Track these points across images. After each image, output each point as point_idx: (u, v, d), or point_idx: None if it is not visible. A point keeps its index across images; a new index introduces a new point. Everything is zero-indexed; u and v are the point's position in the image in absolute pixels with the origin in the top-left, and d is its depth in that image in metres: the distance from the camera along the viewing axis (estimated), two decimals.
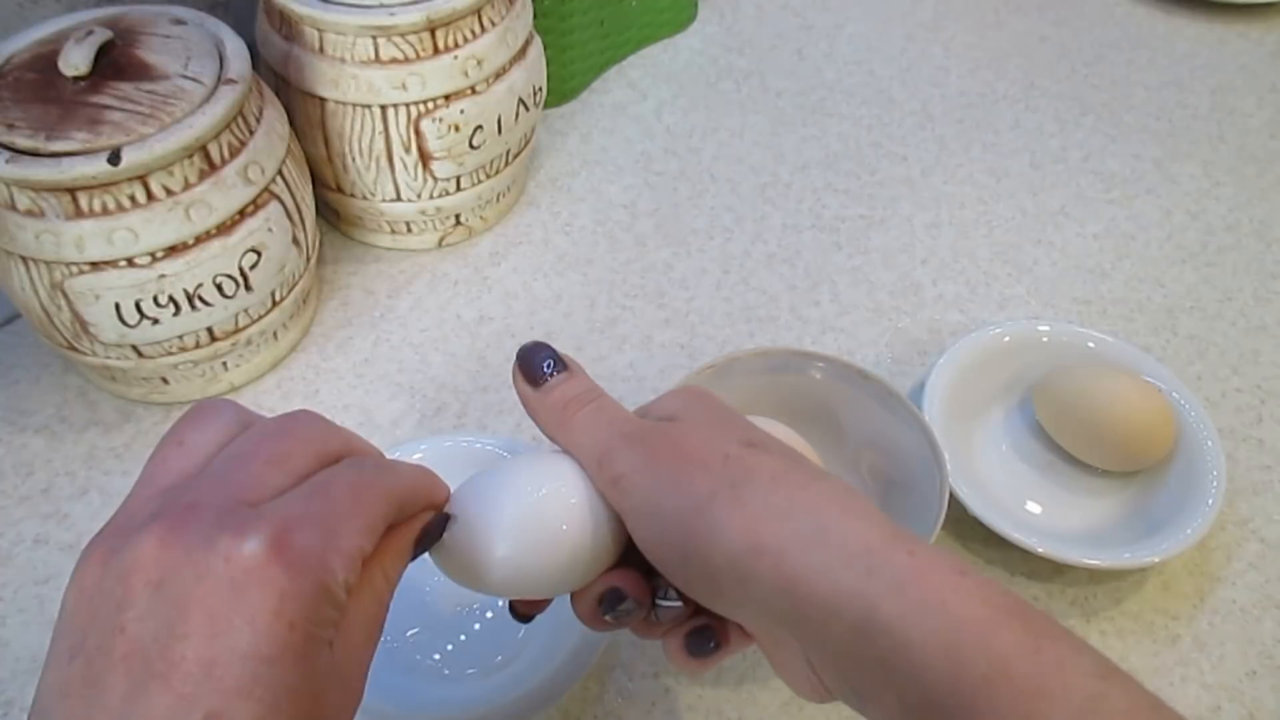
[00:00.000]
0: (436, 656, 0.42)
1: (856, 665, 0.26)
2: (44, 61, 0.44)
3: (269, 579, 0.23)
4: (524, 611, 0.36)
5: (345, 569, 0.25)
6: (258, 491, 0.26)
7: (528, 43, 0.57)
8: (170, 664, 0.22)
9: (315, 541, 0.25)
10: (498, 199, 0.62)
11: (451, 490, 0.32)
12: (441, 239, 0.61)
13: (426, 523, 0.30)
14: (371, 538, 0.26)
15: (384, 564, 0.28)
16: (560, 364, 0.33)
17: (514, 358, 0.34)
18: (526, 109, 0.58)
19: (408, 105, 0.52)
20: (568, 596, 0.33)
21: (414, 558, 0.30)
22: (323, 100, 0.53)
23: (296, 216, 0.50)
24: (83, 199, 0.43)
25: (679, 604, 0.32)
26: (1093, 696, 0.24)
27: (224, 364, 0.52)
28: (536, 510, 0.31)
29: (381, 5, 0.50)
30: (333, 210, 0.60)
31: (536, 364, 0.33)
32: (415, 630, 0.43)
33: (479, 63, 0.53)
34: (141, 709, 0.22)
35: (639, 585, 0.32)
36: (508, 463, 0.33)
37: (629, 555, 0.33)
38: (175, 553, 0.24)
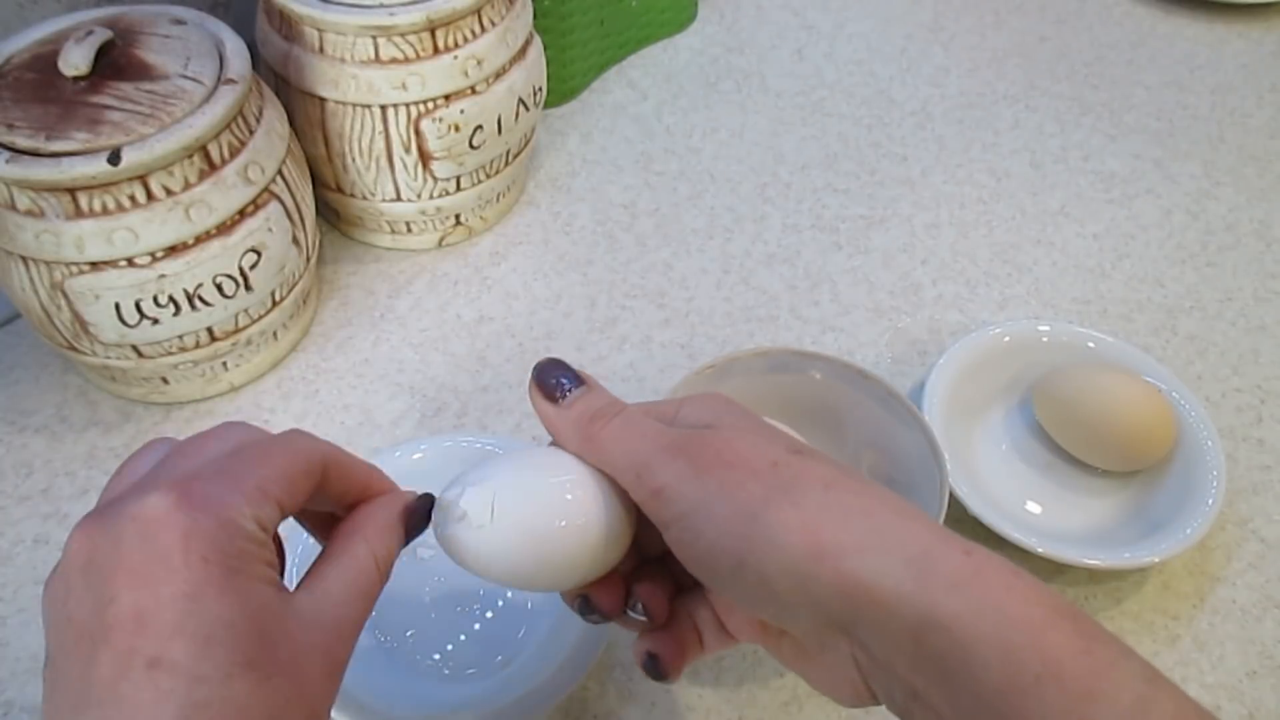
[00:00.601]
0: (436, 656, 0.42)
1: (911, 665, 0.26)
2: (44, 61, 0.44)
3: (172, 523, 0.25)
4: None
5: (252, 504, 0.26)
6: (172, 476, 0.27)
7: (528, 43, 0.57)
8: (107, 627, 0.24)
9: (216, 487, 0.26)
10: (498, 199, 0.62)
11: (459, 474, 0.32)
12: (441, 239, 0.61)
13: (409, 503, 0.31)
14: (283, 485, 0.27)
15: (366, 535, 0.30)
16: (577, 379, 0.33)
17: (529, 374, 0.34)
18: (526, 109, 0.58)
19: (408, 105, 0.52)
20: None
21: (406, 541, 0.31)
22: (323, 100, 0.53)
23: (296, 216, 0.50)
24: (83, 199, 0.43)
25: (644, 618, 0.33)
26: (1141, 699, 0.24)
27: (224, 364, 0.52)
28: (537, 503, 0.31)
29: (381, 5, 0.50)
30: (333, 210, 0.60)
31: (554, 380, 0.33)
32: (415, 630, 0.43)
33: (479, 63, 0.53)
34: (94, 676, 0.24)
35: (613, 600, 0.33)
36: (515, 453, 0.33)
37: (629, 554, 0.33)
38: (94, 535, 0.25)
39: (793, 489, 0.29)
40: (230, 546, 0.25)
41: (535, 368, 0.34)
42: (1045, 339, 0.53)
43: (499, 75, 0.55)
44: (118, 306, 0.45)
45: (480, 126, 0.55)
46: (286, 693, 0.25)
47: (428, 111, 0.53)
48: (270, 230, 0.48)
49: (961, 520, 0.47)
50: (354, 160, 0.55)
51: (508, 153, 0.59)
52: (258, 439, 0.29)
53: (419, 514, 0.32)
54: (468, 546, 0.31)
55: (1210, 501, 0.46)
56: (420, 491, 0.33)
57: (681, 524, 0.30)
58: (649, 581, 0.34)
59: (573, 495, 0.31)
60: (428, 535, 0.32)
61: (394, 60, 0.51)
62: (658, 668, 0.33)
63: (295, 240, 0.50)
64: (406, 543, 0.31)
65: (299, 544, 0.40)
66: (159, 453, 0.29)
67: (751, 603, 0.30)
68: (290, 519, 0.29)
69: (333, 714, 0.37)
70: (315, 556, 0.30)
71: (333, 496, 0.31)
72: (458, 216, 0.60)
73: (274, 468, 0.27)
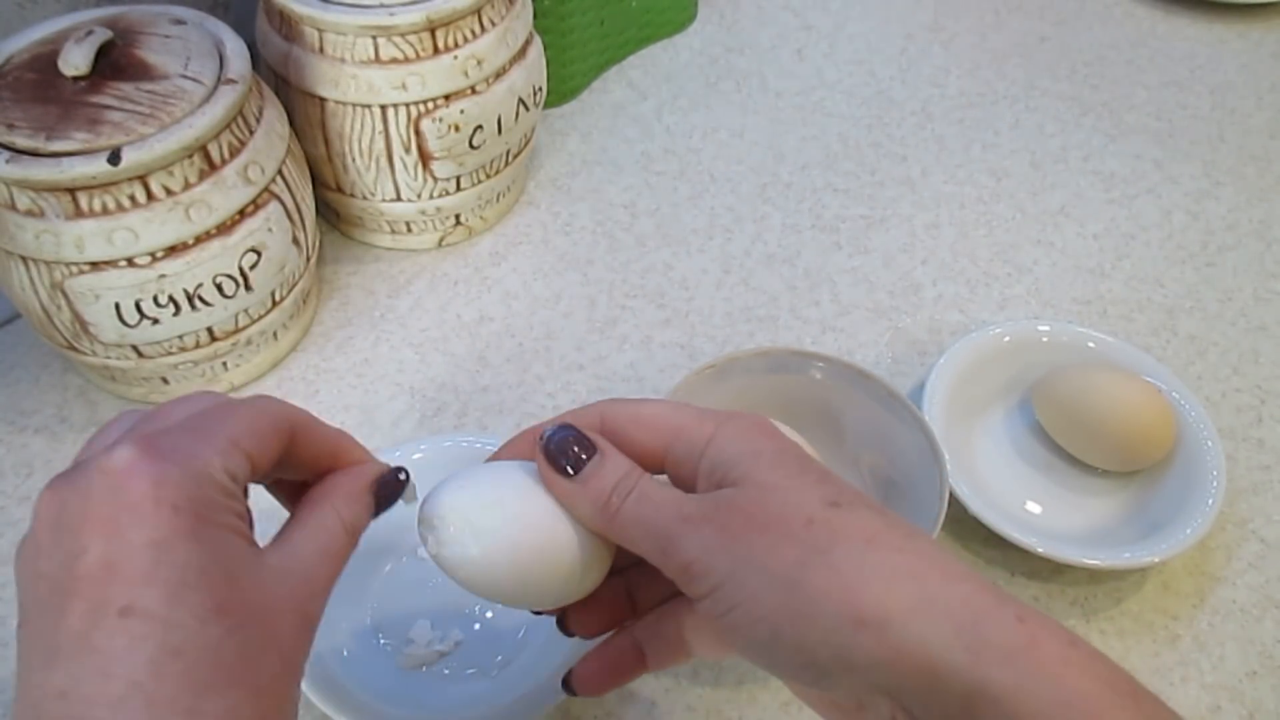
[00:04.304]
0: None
1: None
2: (44, 61, 0.44)
3: (141, 471, 0.25)
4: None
5: (221, 455, 0.26)
6: (139, 432, 0.27)
7: (528, 43, 0.57)
8: (77, 578, 0.24)
9: (184, 440, 0.26)
10: (498, 199, 0.62)
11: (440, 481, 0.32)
12: (441, 239, 0.61)
13: (380, 473, 0.31)
14: (252, 440, 0.27)
15: (334, 501, 0.30)
16: (588, 446, 0.31)
17: (538, 444, 0.31)
18: (526, 109, 0.58)
19: (408, 105, 0.52)
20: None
21: (377, 512, 0.31)
22: (323, 100, 0.53)
23: (296, 216, 0.50)
24: (83, 199, 0.43)
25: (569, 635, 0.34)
26: None
27: (224, 364, 0.52)
28: (520, 520, 0.31)
29: (381, 5, 0.50)
30: (333, 210, 0.60)
31: (564, 451, 0.31)
32: (415, 630, 0.43)
33: (479, 63, 0.53)
34: (65, 627, 0.24)
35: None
36: (497, 465, 0.33)
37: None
38: (62, 492, 0.25)
39: (831, 550, 0.27)
40: (199, 494, 0.25)
41: (542, 439, 0.31)
42: (1045, 339, 0.53)
43: (499, 75, 0.55)
44: (118, 306, 0.45)
45: (480, 126, 0.55)
46: (259, 640, 0.25)
47: (428, 111, 0.53)
48: (270, 230, 0.48)
49: (961, 520, 0.47)
50: (354, 160, 0.55)
51: (508, 153, 0.59)
52: (225, 401, 0.29)
53: (390, 486, 0.31)
54: (448, 560, 0.31)
55: (1210, 501, 0.46)
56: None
57: (714, 597, 0.28)
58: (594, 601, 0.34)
59: (557, 511, 0.31)
60: None
61: (394, 60, 0.51)
62: (568, 684, 0.34)
63: (295, 240, 0.50)
64: (377, 514, 0.31)
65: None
66: (127, 422, 0.29)
67: (789, 671, 0.28)
68: (261, 488, 0.29)
69: (333, 714, 0.37)
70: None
71: (303, 462, 0.30)
72: (458, 216, 0.60)
73: (242, 424, 0.27)
